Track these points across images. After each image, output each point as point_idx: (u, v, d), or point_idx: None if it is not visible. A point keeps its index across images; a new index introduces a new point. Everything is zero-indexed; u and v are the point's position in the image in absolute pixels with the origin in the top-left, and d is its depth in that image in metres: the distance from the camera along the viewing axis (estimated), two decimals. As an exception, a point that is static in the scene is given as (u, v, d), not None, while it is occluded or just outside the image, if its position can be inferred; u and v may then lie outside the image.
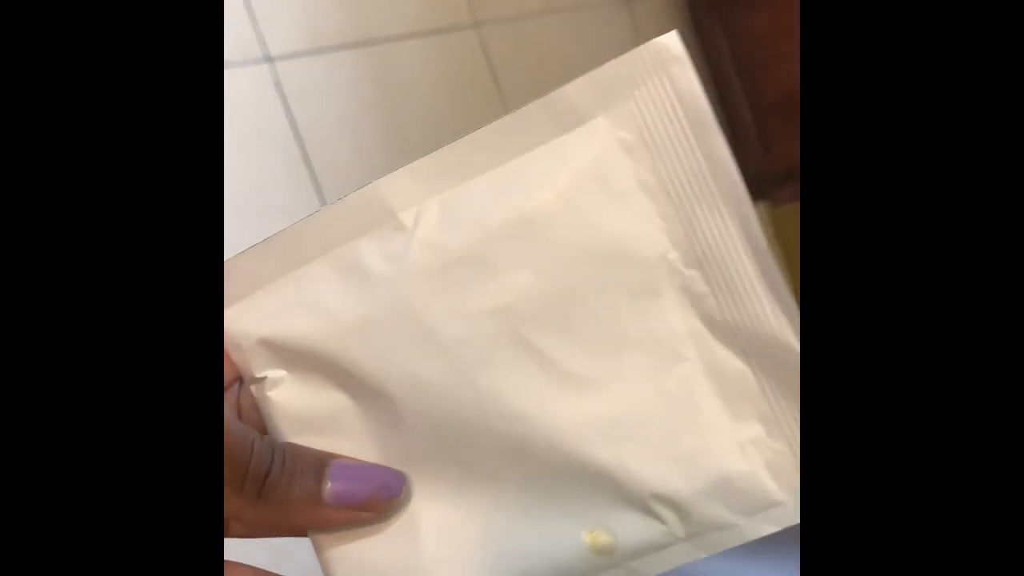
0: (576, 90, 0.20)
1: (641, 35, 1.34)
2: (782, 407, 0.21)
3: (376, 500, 0.22)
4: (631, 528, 0.22)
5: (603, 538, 0.22)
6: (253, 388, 0.24)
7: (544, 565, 0.22)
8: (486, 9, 1.17)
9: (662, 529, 0.22)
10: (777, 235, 1.39)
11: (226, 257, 0.23)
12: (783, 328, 0.21)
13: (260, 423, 0.24)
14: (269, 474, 0.22)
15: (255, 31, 0.97)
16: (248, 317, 0.23)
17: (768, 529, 0.21)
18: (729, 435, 0.21)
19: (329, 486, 0.22)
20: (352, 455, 0.23)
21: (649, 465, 0.21)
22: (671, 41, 0.20)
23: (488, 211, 0.21)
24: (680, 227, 0.21)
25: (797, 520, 0.21)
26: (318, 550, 0.23)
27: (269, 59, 0.98)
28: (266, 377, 0.23)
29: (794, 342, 0.21)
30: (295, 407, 0.23)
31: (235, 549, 0.24)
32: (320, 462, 0.23)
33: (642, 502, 0.21)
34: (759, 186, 1.41)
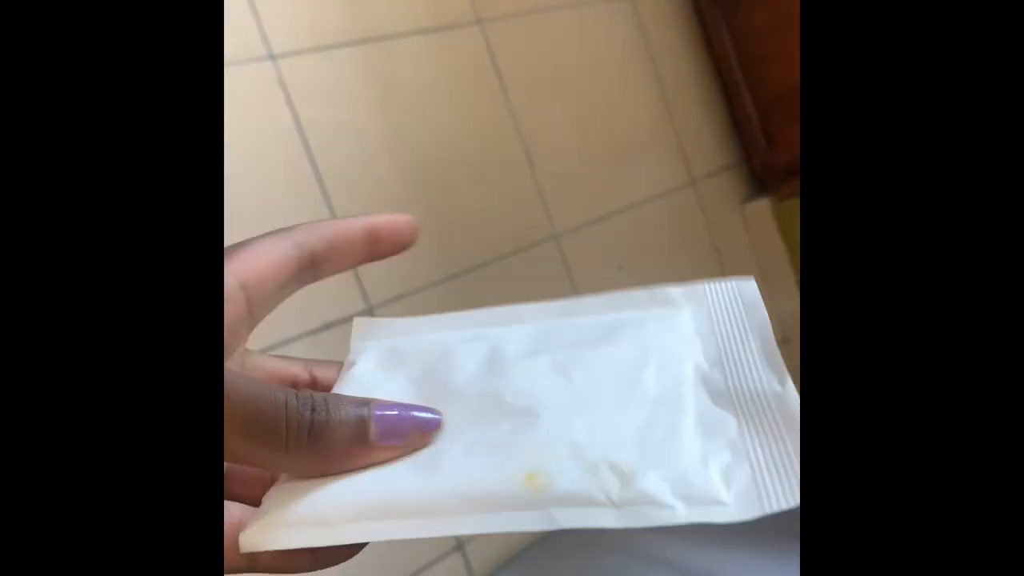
0: (675, 290, 0.29)
1: (645, 30, 1.34)
2: (753, 440, 0.23)
3: (419, 434, 0.24)
4: (570, 479, 0.23)
5: (540, 477, 0.23)
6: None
7: (471, 482, 0.23)
8: (490, 6, 1.17)
9: (598, 489, 0.22)
10: (781, 230, 1.39)
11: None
12: (771, 382, 0.25)
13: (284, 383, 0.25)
14: (313, 424, 0.23)
15: (259, 29, 0.97)
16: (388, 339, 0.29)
17: (702, 518, 0.22)
18: (697, 450, 0.23)
19: (374, 427, 0.23)
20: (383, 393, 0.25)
21: (614, 438, 0.23)
22: (753, 285, 0.29)
23: (586, 330, 0.28)
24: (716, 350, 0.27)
25: (733, 519, 0.22)
26: None
27: (272, 57, 0.98)
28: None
29: (778, 386, 0.25)
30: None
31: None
32: (361, 404, 0.24)
33: (593, 464, 0.23)
34: (763, 181, 1.41)
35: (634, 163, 1.28)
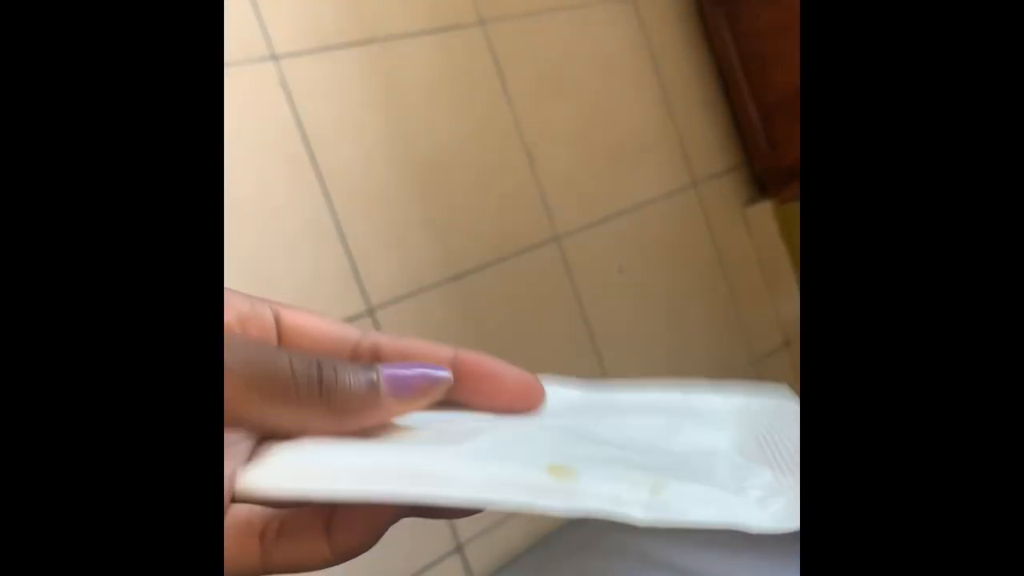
0: (714, 397, 0.29)
1: (647, 32, 1.34)
2: (790, 481, 0.24)
3: (429, 384, 0.24)
4: (598, 473, 0.22)
5: (566, 469, 0.22)
6: None
7: (493, 461, 0.22)
8: (492, 7, 1.17)
9: (628, 483, 0.22)
10: (782, 232, 1.39)
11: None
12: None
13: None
14: (323, 379, 0.22)
15: (261, 29, 0.97)
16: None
17: (733, 520, 0.22)
18: (731, 484, 0.23)
19: (383, 382, 0.23)
20: None
21: (645, 461, 0.23)
22: (793, 402, 0.28)
23: (625, 403, 0.28)
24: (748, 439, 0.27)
25: (766, 526, 0.22)
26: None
27: (274, 57, 0.98)
28: None
29: None
30: None
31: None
32: (367, 368, 0.23)
33: (624, 468, 0.23)
34: (765, 183, 1.41)
35: (635, 165, 1.28)
